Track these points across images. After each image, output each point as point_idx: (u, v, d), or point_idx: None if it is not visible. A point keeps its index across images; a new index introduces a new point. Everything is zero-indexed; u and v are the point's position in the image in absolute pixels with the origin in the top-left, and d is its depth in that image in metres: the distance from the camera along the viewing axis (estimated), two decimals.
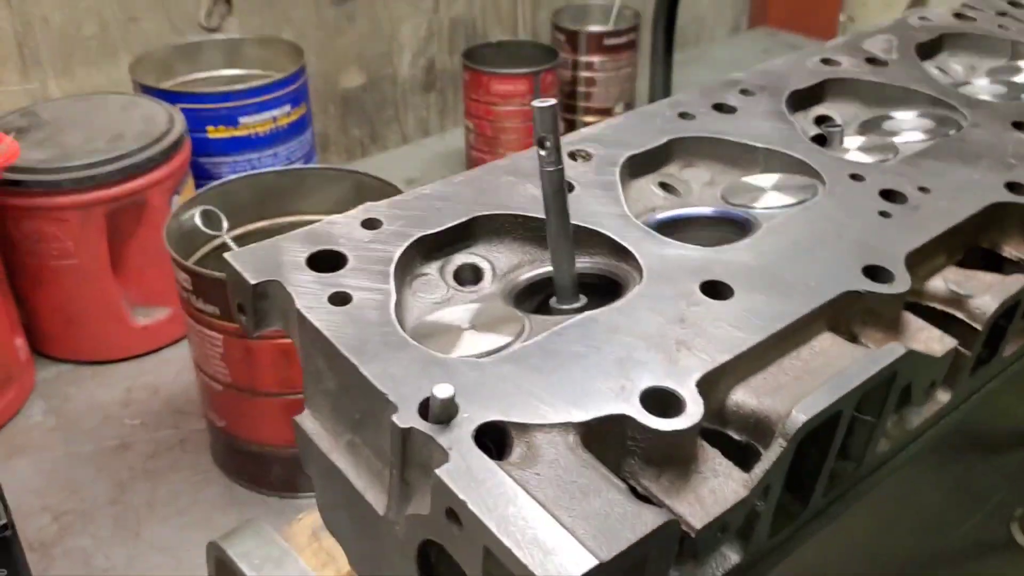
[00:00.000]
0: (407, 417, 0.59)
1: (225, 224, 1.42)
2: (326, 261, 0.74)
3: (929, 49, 1.19)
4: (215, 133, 2.21)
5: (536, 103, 0.68)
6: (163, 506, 1.79)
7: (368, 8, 3.08)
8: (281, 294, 0.71)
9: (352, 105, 3.17)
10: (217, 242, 1.54)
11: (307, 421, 0.72)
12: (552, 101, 0.68)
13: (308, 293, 0.70)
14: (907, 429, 0.81)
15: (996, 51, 1.21)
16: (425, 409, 0.59)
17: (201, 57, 2.59)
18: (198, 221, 1.40)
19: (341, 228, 0.77)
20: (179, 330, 2.15)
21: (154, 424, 2.00)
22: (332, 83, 3.09)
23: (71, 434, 2.02)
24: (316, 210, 1.63)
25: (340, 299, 0.69)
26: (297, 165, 2.25)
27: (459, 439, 0.58)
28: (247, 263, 0.73)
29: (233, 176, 1.64)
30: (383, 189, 1.57)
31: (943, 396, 0.82)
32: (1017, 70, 1.16)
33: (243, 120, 2.20)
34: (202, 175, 2.21)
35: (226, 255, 0.74)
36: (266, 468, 1.57)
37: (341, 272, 0.72)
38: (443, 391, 0.58)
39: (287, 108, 2.27)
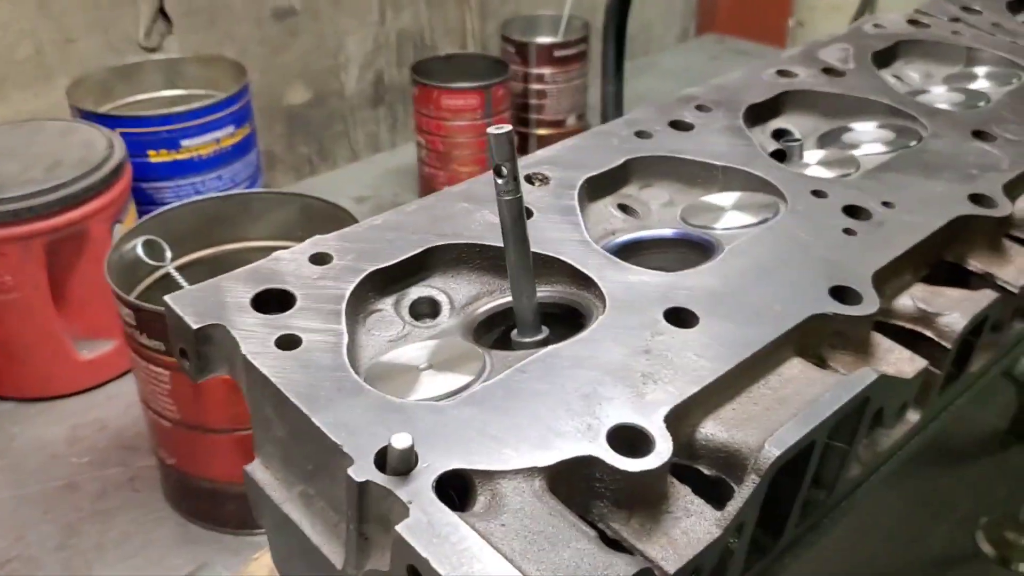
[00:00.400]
0: (363, 470, 0.56)
1: (169, 254, 1.37)
2: (273, 301, 0.70)
3: (885, 57, 1.18)
4: (156, 157, 2.15)
5: (491, 130, 0.65)
6: (114, 548, 1.72)
7: (311, 22, 3.03)
8: (225, 338, 0.67)
9: (298, 122, 3.12)
10: (161, 272, 1.49)
11: (258, 471, 0.68)
12: (507, 127, 0.65)
13: (254, 337, 0.66)
14: (878, 452, 0.80)
15: (951, 58, 1.20)
16: (382, 460, 0.56)
17: (141, 78, 2.52)
18: (140, 252, 1.35)
19: (288, 265, 0.74)
20: (125, 363, 2.08)
21: (102, 462, 1.93)
22: (277, 100, 3.03)
23: (16, 475, 1.94)
24: (263, 235, 1.58)
25: (289, 342, 0.66)
26: (242, 189, 2.19)
27: (419, 491, 0.54)
28: (188, 306, 0.69)
29: (176, 203, 1.58)
30: (332, 212, 1.53)
31: (913, 416, 0.80)
32: (973, 77, 1.15)
33: (185, 143, 2.14)
34: (144, 201, 2.15)
35: (166, 298, 0.70)
36: (220, 505, 1.52)
37: (289, 313, 0.69)
38: (401, 441, 0.55)
39: (231, 128, 2.22)
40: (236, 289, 0.71)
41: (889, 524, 1.35)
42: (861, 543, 1.31)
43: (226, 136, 2.20)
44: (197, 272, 1.47)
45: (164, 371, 1.33)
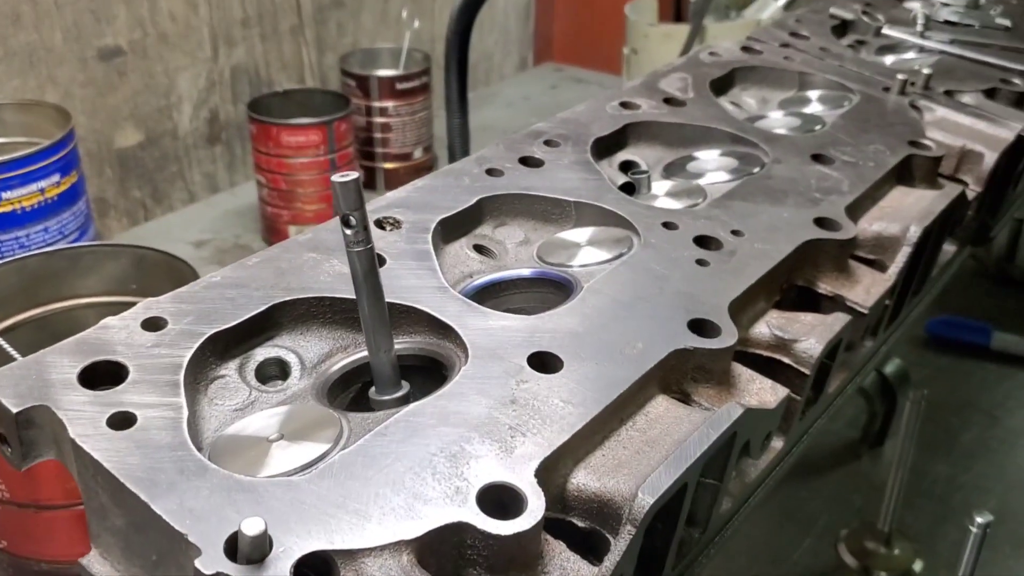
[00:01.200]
0: (212, 560, 0.50)
1: None
2: (103, 375, 0.64)
3: (722, 85, 1.21)
4: None
5: (336, 178, 0.61)
6: None
7: (140, 61, 2.90)
8: (51, 420, 0.61)
9: (130, 165, 2.97)
10: None
11: (95, 563, 0.62)
12: (354, 174, 0.61)
13: (83, 418, 0.60)
14: (747, 483, 0.79)
15: (785, 83, 1.24)
16: (233, 547, 0.51)
17: None
18: None
19: (118, 333, 0.67)
20: None
21: None
22: (106, 143, 2.89)
23: None
24: (94, 291, 1.48)
25: (122, 421, 0.60)
26: (68, 244, 2.06)
27: None
28: (6, 387, 0.62)
29: None
30: (167, 262, 1.45)
31: (777, 443, 0.81)
32: (807, 101, 1.19)
33: (6, 195, 1.99)
34: None
35: None
36: None
37: (121, 387, 0.62)
38: (252, 526, 0.50)
39: (56, 178, 2.08)
40: (61, 364, 0.64)
41: (755, 543, 1.37)
42: (729, 566, 1.33)
43: (51, 186, 2.06)
44: (24, 336, 1.36)
45: None
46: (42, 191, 2.05)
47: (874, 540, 1.39)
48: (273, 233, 2.72)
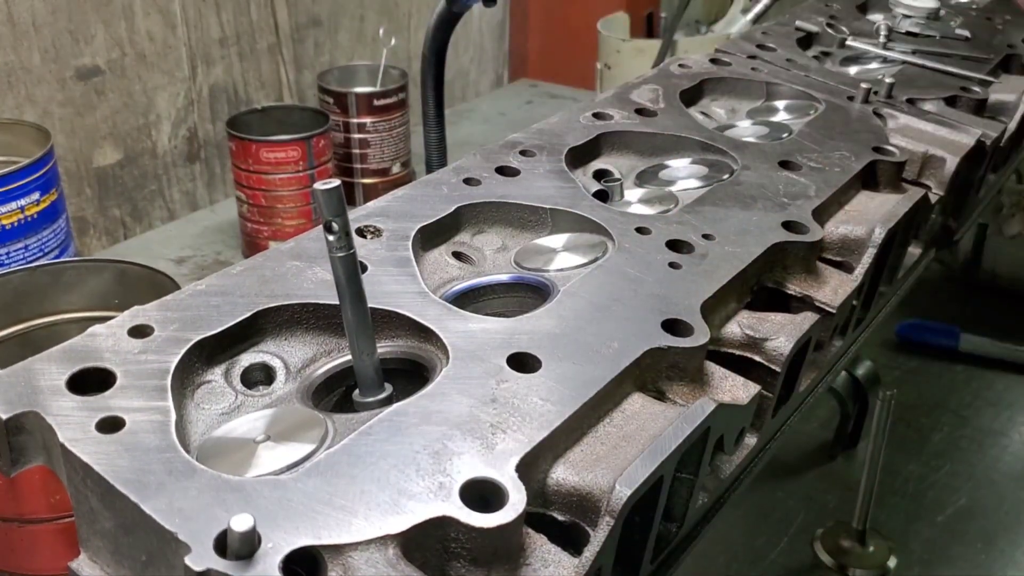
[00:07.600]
0: (202, 557, 0.52)
1: None
2: (91, 381, 0.65)
3: (692, 95, 1.24)
4: None
5: (318, 185, 0.63)
6: None
7: (119, 81, 2.91)
8: (40, 426, 0.62)
9: (109, 183, 2.97)
10: None
11: (85, 567, 0.63)
12: (336, 182, 0.63)
13: (72, 422, 0.61)
14: (721, 479, 0.82)
15: (752, 93, 1.27)
16: (223, 544, 0.53)
17: None
18: None
19: (105, 340, 0.69)
20: None
21: None
22: (85, 162, 2.89)
23: None
24: (77, 307, 1.48)
25: (110, 425, 0.61)
26: (50, 260, 2.06)
27: (265, 574, 0.51)
28: None
29: None
30: (150, 276, 1.46)
31: (751, 440, 0.83)
32: (774, 110, 1.22)
33: None
34: None
35: None
36: None
37: (109, 393, 0.64)
38: (241, 523, 0.51)
39: (36, 196, 2.08)
40: (49, 371, 0.65)
41: (733, 544, 1.39)
42: (707, 566, 1.35)
43: (31, 204, 2.07)
44: (7, 352, 1.37)
45: None
46: (22, 209, 2.06)
47: (849, 539, 1.41)
48: (254, 249, 2.73)
